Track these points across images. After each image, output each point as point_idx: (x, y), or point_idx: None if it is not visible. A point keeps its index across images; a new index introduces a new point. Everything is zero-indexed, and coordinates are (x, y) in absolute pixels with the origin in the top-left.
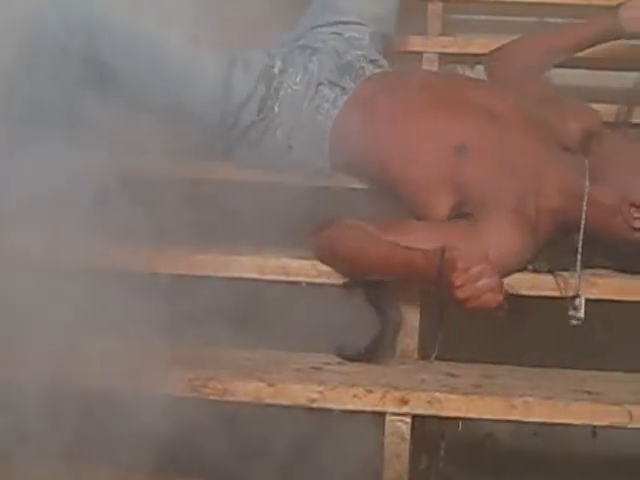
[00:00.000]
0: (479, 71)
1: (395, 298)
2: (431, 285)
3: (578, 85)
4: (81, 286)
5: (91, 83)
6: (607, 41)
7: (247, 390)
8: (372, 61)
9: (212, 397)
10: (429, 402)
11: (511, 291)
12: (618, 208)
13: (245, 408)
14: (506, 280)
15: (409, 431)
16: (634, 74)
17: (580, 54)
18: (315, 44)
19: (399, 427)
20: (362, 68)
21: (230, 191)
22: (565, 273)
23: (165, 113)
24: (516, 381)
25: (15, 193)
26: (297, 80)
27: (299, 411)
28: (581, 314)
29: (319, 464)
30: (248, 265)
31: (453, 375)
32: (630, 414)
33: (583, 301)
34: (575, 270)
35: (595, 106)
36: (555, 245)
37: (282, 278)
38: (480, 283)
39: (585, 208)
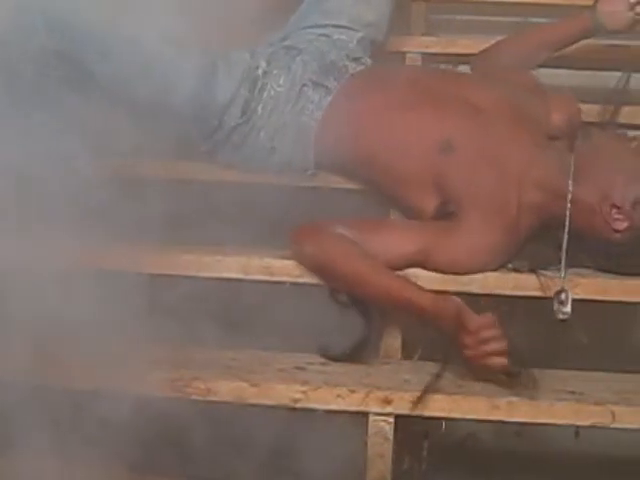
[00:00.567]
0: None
1: None
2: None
3: (561, 85)
4: (64, 286)
5: (70, 83)
6: (588, 38)
7: (230, 390)
8: (355, 59)
9: (195, 397)
10: (412, 402)
11: (495, 291)
12: (599, 207)
13: (228, 408)
14: (490, 280)
15: (392, 431)
16: (617, 74)
17: (564, 53)
18: (300, 45)
19: (382, 427)
20: (345, 66)
21: (214, 191)
22: (548, 272)
23: (147, 115)
24: (499, 381)
25: None
26: (281, 82)
27: (282, 411)
28: (568, 309)
29: (302, 464)
30: (232, 265)
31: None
32: (613, 414)
33: (570, 295)
34: (557, 269)
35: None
36: (537, 243)
37: (266, 278)
38: (489, 347)
39: (569, 206)
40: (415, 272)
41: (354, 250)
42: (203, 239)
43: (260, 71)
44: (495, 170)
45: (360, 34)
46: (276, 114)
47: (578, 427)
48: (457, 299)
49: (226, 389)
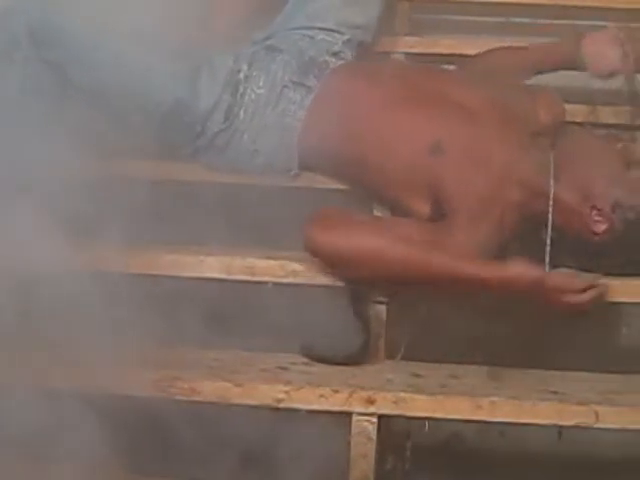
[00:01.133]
0: None
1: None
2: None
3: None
4: (47, 287)
5: (54, 89)
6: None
7: (214, 390)
8: (335, 54)
9: (179, 397)
10: (395, 402)
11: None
12: (580, 208)
13: (211, 408)
14: None
15: (375, 431)
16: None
17: None
18: (282, 45)
19: (365, 427)
20: (325, 62)
21: (196, 192)
22: None
23: (130, 120)
24: (482, 381)
25: None
26: (260, 84)
27: (266, 411)
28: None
29: (286, 464)
30: (215, 265)
31: (419, 375)
32: (596, 414)
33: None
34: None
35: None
36: (521, 242)
37: (249, 278)
38: (577, 297)
39: (552, 203)
40: None
41: (397, 234)
42: (186, 239)
43: (242, 75)
44: (483, 170)
45: (347, 36)
46: (258, 116)
47: (561, 427)
48: (518, 262)
49: (209, 389)
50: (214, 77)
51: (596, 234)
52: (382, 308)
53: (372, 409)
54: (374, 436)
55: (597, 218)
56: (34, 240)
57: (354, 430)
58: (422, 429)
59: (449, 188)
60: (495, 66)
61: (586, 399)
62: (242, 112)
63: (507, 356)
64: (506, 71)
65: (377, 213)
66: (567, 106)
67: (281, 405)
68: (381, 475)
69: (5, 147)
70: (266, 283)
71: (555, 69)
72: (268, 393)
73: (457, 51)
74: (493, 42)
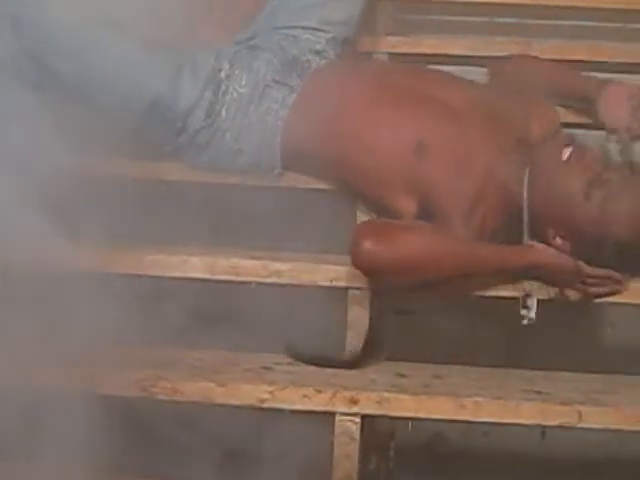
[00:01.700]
0: None
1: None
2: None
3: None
4: (29, 286)
5: (37, 84)
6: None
7: (197, 390)
8: (318, 52)
9: (162, 397)
10: (379, 402)
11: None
12: (543, 228)
13: (195, 407)
14: None
15: (359, 431)
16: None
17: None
18: (264, 44)
19: (349, 427)
20: (308, 61)
21: (180, 192)
22: None
23: (111, 115)
24: (466, 381)
25: None
26: (243, 83)
27: (249, 411)
28: (532, 314)
29: (269, 464)
30: (198, 265)
31: (403, 375)
32: (580, 414)
33: (535, 301)
34: None
35: None
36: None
37: (232, 278)
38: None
39: (526, 213)
40: None
41: (430, 234)
42: (169, 239)
43: (223, 74)
44: (466, 170)
45: (330, 35)
46: (240, 115)
47: (545, 427)
48: (541, 246)
49: (193, 389)
50: (196, 74)
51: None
52: (365, 309)
53: (355, 409)
54: (357, 436)
55: (555, 242)
56: (16, 238)
57: (337, 430)
58: (406, 429)
59: (436, 188)
60: (524, 71)
61: (570, 399)
62: (224, 111)
63: (491, 356)
64: (531, 81)
65: (361, 214)
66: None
67: (265, 405)
68: (365, 475)
69: None
70: (250, 283)
71: (571, 101)
72: (252, 393)
73: (441, 51)
74: (477, 42)
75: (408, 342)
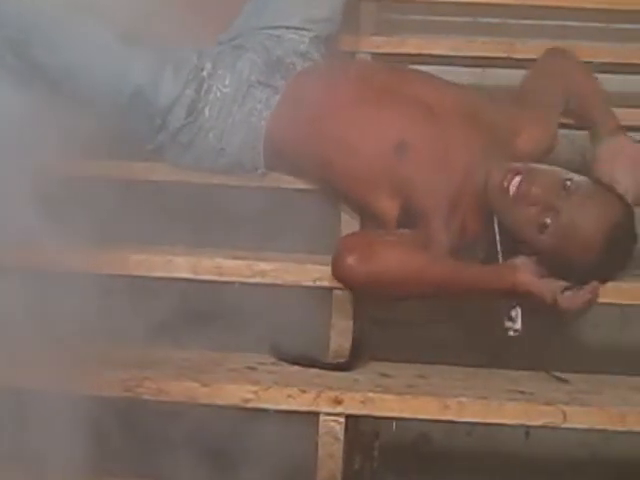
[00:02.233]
0: None
1: None
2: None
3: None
4: (13, 286)
5: (19, 74)
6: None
7: (181, 390)
8: (302, 54)
9: (146, 397)
10: (363, 402)
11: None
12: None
13: (179, 407)
14: None
15: (343, 431)
16: None
17: (519, 55)
18: (248, 44)
19: (333, 427)
20: (292, 63)
21: (164, 192)
22: None
23: (92, 108)
24: (450, 381)
25: None
26: (226, 82)
27: (233, 411)
28: (518, 325)
29: (253, 463)
30: (182, 265)
31: (387, 375)
32: (564, 414)
33: (519, 312)
34: None
35: None
36: (475, 248)
37: (216, 278)
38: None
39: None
40: None
41: (415, 250)
42: (154, 239)
43: (205, 73)
44: (445, 171)
45: (313, 33)
46: (224, 115)
47: (529, 427)
48: (524, 274)
49: (177, 389)
50: (177, 71)
51: None
52: (349, 309)
53: (340, 409)
54: (341, 436)
55: (530, 259)
56: None
57: (321, 430)
58: (390, 429)
59: (417, 188)
60: (549, 72)
61: (554, 399)
62: (207, 110)
63: (475, 356)
64: (551, 90)
65: (345, 214)
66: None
67: (249, 405)
68: (349, 475)
69: None
70: (233, 283)
71: (580, 122)
72: (236, 393)
73: (424, 51)
74: (460, 42)
75: (391, 342)
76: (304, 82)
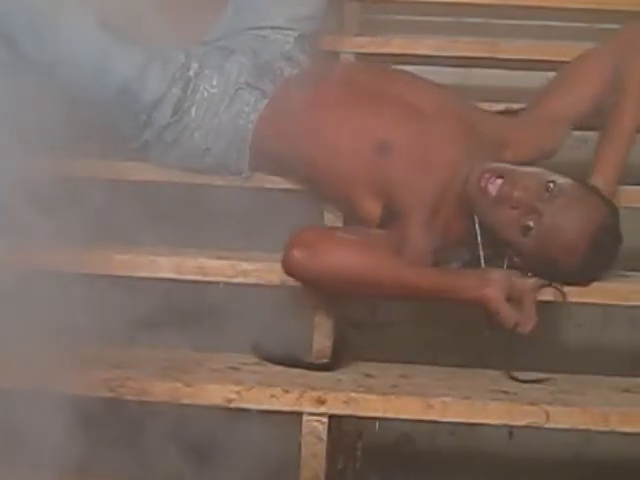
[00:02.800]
0: None
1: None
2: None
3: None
4: None
5: (7, 70)
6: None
7: (164, 390)
8: (289, 59)
9: (129, 397)
10: (346, 402)
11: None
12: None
13: (162, 407)
14: None
15: (326, 431)
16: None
17: (503, 55)
18: (234, 46)
19: (316, 427)
20: (280, 68)
21: (148, 192)
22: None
23: (78, 104)
24: (433, 381)
25: None
26: (214, 83)
27: (217, 411)
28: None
29: (236, 463)
30: (166, 265)
31: (370, 375)
32: (547, 414)
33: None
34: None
35: None
36: (456, 250)
37: (200, 278)
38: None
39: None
40: None
41: (369, 251)
42: (137, 239)
43: (192, 72)
44: (427, 171)
45: (297, 32)
46: (210, 115)
47: (512, 427)
48: (492, 290)
49: (160, 389)
50: (165, 69)
51: None
52: (330, 309)
53: (323, 409)
54: (325, 436)
55: (512, 260)
56: None
57: (305, 430)
58: (373, 429)
59: (398, 187)
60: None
61: (537, 399)
62: (194, 110)
63: (458, 356)
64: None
65: (328, 214)
66: None
67: (232, 405)
68: (332, 475)
69: None
70: (217, 283)
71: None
72: (219, 393)
73: (408, 51)
74: (444, 42)
75: (375, 342)
76: (292, 88)
